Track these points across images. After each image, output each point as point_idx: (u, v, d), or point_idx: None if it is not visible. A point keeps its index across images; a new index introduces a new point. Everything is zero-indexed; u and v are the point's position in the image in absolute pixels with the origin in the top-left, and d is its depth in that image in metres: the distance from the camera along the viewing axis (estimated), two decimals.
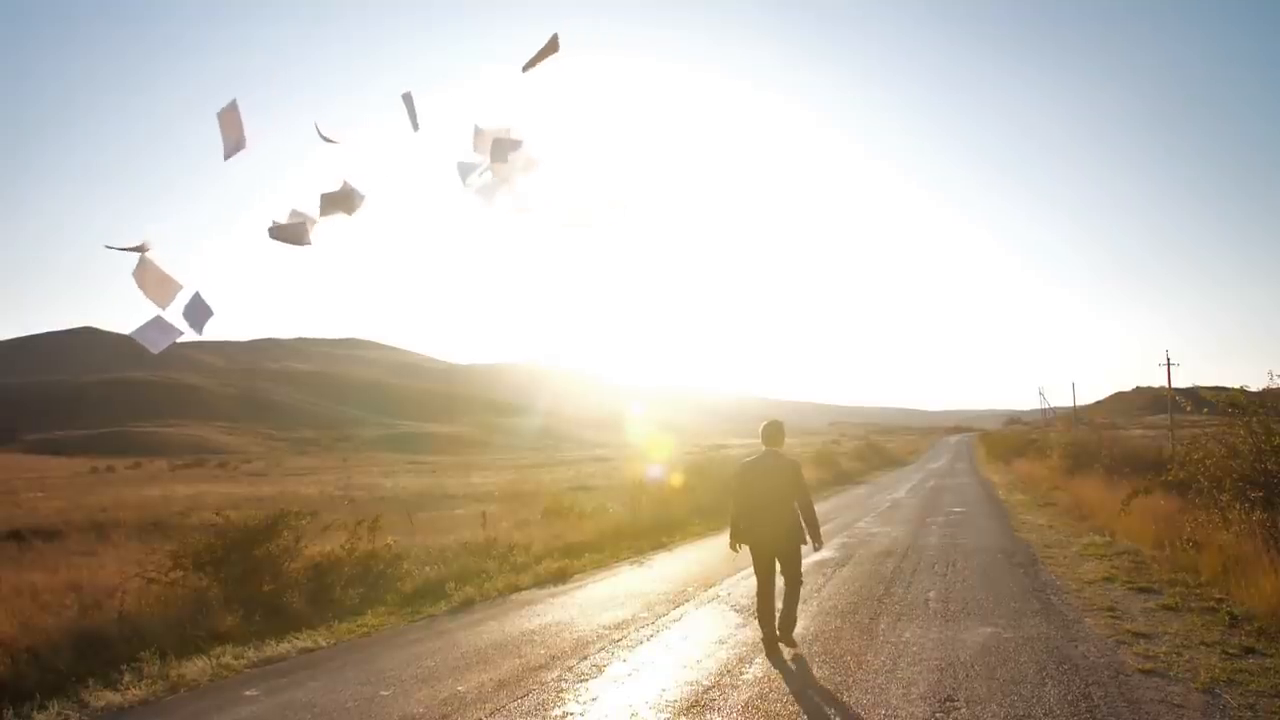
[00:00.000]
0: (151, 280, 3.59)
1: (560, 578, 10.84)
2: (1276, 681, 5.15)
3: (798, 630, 6.82)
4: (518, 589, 10.09)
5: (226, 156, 3.74)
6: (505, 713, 5.30)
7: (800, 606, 6.96)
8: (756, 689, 5.54)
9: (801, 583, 6.83)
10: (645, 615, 8.17)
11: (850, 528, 15.49)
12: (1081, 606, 7.63)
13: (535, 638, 7.39)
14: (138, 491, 36.95)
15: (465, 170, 4.06)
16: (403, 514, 16.89)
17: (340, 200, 3.91)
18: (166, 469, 75.77)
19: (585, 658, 6.58)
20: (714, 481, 19.85)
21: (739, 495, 6.80)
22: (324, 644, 7.60)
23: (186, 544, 8.98)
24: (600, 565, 11.91)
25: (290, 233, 3.86)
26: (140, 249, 3.55)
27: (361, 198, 3.93)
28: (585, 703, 5.43)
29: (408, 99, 3.87)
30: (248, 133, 3.70)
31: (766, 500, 6.62)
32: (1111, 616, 7.14)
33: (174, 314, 3.68)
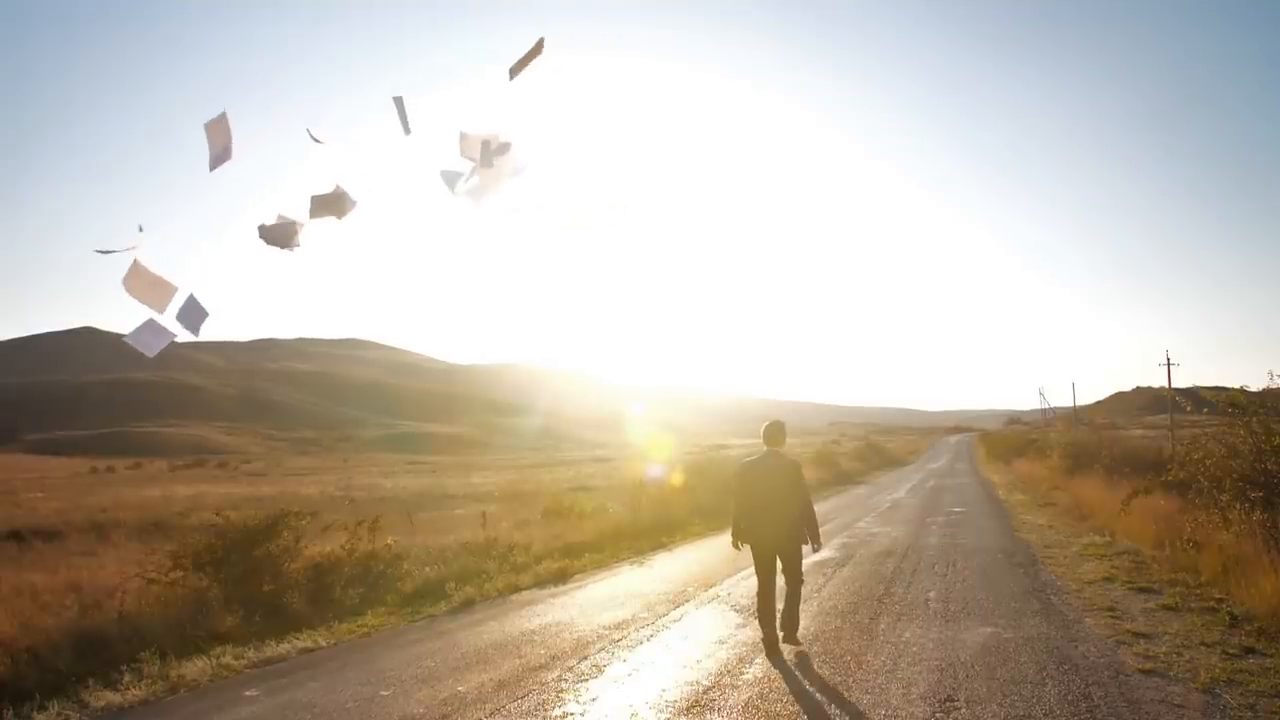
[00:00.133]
0: (145, 285, 3.59)
1: (560, 578, 10.84)
2: (1276, 681, 5.15)
3: (798, 630, 6.82)
4: (518, 589, 10.09)
5: (211, 168, 3.74)
6: (505, 713, 5.30)
7: (801, 606, 6.96)
8: (756, 689, 5.54)
9: (803, 582, 6.85)
10: (645, 615, 8.17)
11: (850, 528, 15.49)
12: (1081, 606, 7.63)
13: (535, 638, 7.39)
14: (138, 492, 36.96)
15: (450, 178, 4.05)
16: (403, 514, 16.89)
17: (331, 203, 3.91)
18: (166, 469, 75.78)
19: (585, 658, 6.58)
20: (714, 482, 19.85)
21: (740, 495, 6.81)
22: (324, 644, 7.60)
23: (186, 544, 8.98)
24: (600, 565, 11.91)
25: (278, 236, 3.87)
26: (129, 249, 3.55)
27: (353, 203, 3.93)
28: (585, 703, 5.43)
29: (399, 102, 3.87)
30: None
31: (768, 500, 6.62)
32: (1111, 616, 7.14)
33: (168, 316, 3.69)
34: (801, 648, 6.52)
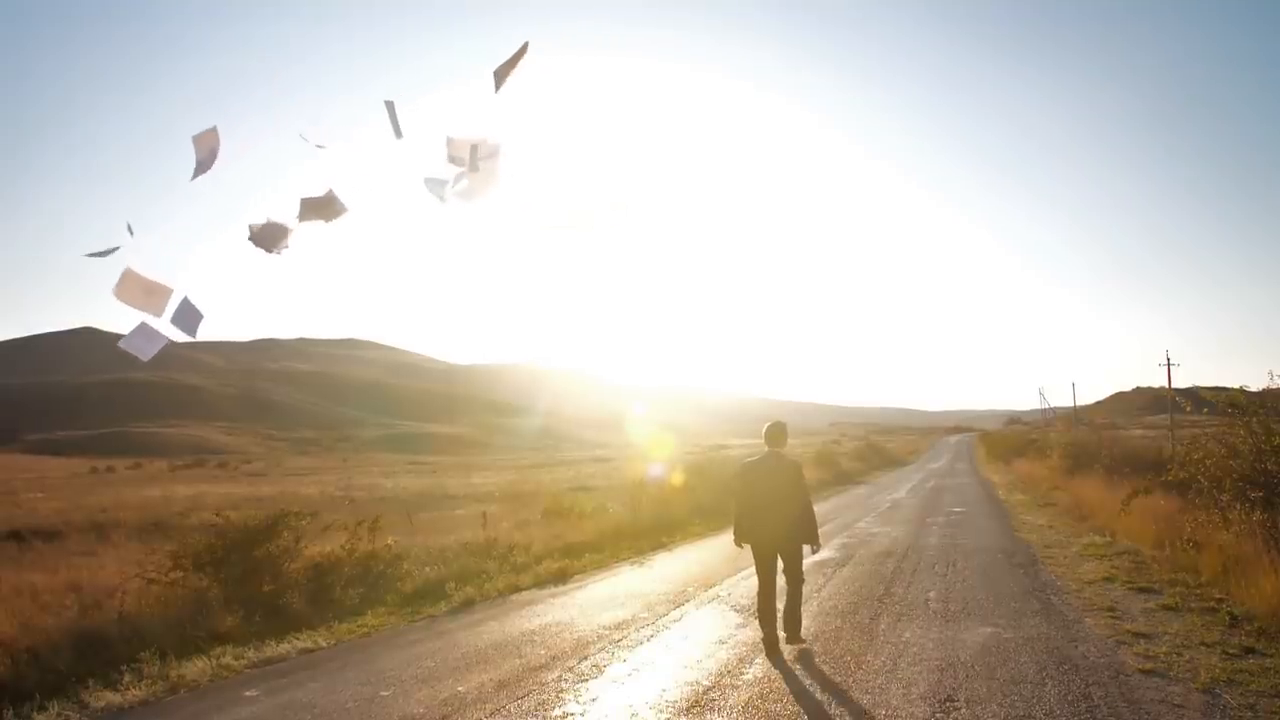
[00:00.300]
0: (139, 291, 3.60)
1: (560, 578, 10.84)
2: (1276, 681, 5.15)
3: (801, 629, 6.83)
4: (518, 589, 10.09)
5: (193, 177, 3.75)
6: (505, 713, 5.30)
7: (802, 606, 6.96)
8: (756, 689, 5.54)
9: (803, 582, 6.86)
10: (645, 615, 8.17)
11: (850, 528, 15.49)
12: (1081, 606, 7.63)
13: (535, 638, 7.39)
14: (138, 492, 36.96)
15: (435, 186, 4.06)
16: (403, 514, 16.89)
17: (321, 207, 3.92)
18: (166, 469, 75.76)
19: (585, 658, 6.58)
20: (714, 482, 19.85)
21: (741, 495, 6.82)
22: (324, 644, 7.60)
23: (186, 544, 8.97)
24: (600, 565, 11.91)
25: (267, 238, 3.89)
26: (117, 248, 3.56)
27: (343, 208, 3.94)
28: (585, 703, 5.43)
29: (390, 107, 3.88)
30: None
31: (769, 500, 6.64)
32: (1111, 616, 7.14)
33: (164, 320, 3.70)
34: (805, 645, 6.54)
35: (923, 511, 18.32)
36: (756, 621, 6.82)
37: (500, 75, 3.79)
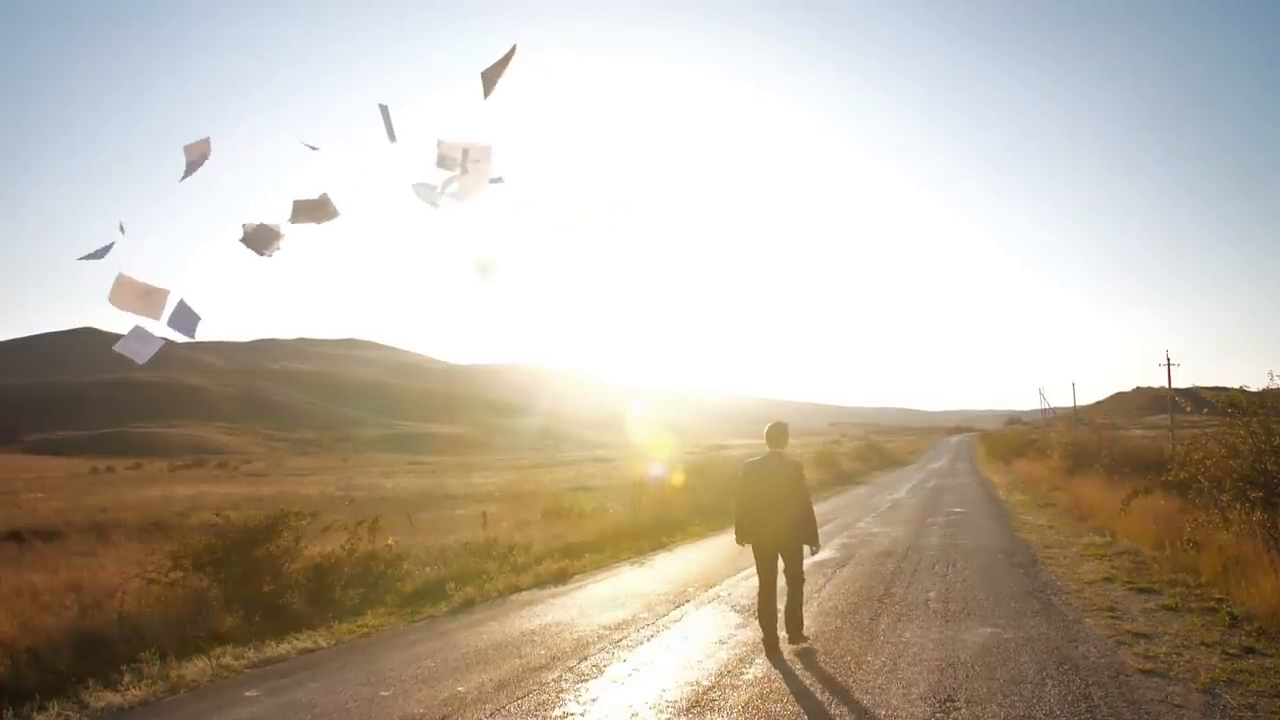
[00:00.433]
0: (134, 295, 3.61)
1: (560, 578, 10.84)
2: (1276, 681, 5.15)
3: (803, 628, 6.83)
4: (518, 589, 10.09)
5: (182, 179, 3.79)
6: (505, 713, 5.30)
7: (803, 606, 6.96)
8: (757, 689, 5.54)
9: (804, 582, 6.86)
10: (645, 616, 8.17)
11: (851, 528, 15.49)
12: (1082, 607, 7.63)
13: (535, 638, 7.39)
14: (138, 492, 36.95)
15: (424, 191, 4.07)
16: (403, 514, 16.89)
17: (313, 210, 3.93)
18: (167, 469, 75.74)
19: (585, 658, 6.58)
20: (714, 482, 19.86)
21: (743, 495, 6.83)
22: (324, 644, 7.60)
23: (186, 544, 8.98)
24: (600, 565, 11.91)
25: (258, 240, 3.90)
26: (109, 245, 3.57)
27: (336, 212, 3.96)
28: (585, 703, 5.43)
29: (384, 111, 3.89)
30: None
31: (770, 500, 6.64)
32: (1112, 617, 7.14)
33: (160, 323, 3.71)
34: (806, 645, 6.56)
35: (923, 511, 18.32)
36: (757, 621, 6.82)
37: (488, 79, 3.80)
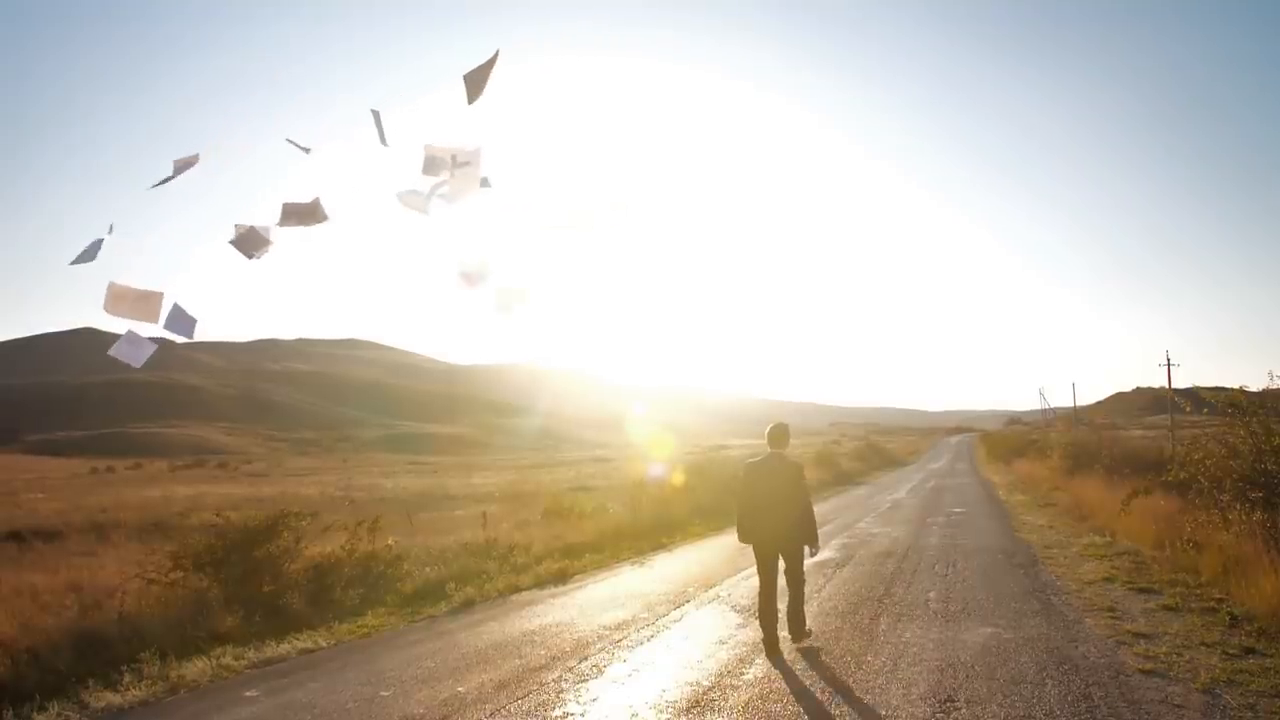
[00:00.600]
0: (130, 302, 3.62)
1: (561, 578, 10.84)
2: (1277, 682, 5.15)
3: (805, 627, 6.83)
4: (518, 589, 10.08)
5: (155, 185, 3.83)
6: (505, 713, 5.30)
7: (804, 606, 6.97)
8: (757, 689, 5.54)
9: (804, 582, 6.86)
10: (645, 616, 8.17)
11: (851, 528, 15.48)
12: (1082, 607, 7.63)
13: (535, 638, 7.39)
14: (138, 492, 36.94)
15: (410, 200, 4.08)
16: (403, 515, 16.89)
17: (302, 213, 3.95)
18: (167, 470, 75.72)
19: (585, 658, 6.58)
20: (714, 482, 19.86)
21: (744, 495, 6.84)
22: (324, 645, 7.60)
23: (187, 545, 8.98)
24: (601, 566, 11.91)
25: (247, 244, 3.93)
26: (100, 243, 3.59)
27: (325, 216, 3.99)
28: (585, 703, 5.43)
29: (376, 116, 3.91)
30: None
31: (771, 501, 6.65)
32: (1112, 617, 7.14)
33: (158, 325, 3.73)
34: (810, 643, 6.58)
35: (923, 512, 18.31)
36: (757, 622, 6.82)
37: (472, 84, 3.80)
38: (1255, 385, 9.07)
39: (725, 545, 13.08)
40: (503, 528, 13.96)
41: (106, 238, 3.61)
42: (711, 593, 9.27)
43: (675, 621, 7.86)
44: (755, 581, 6.99)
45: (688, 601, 8.82)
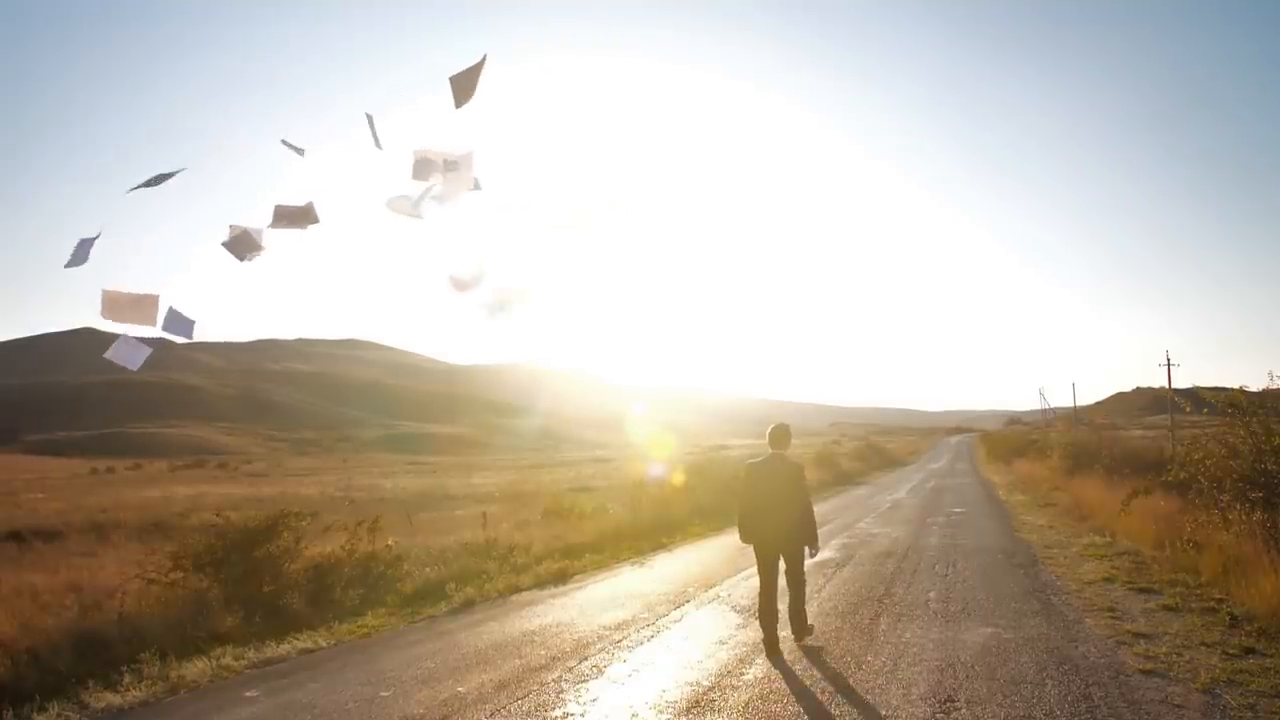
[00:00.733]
0: (125, 307, 3.63)
1: (561, 578, 10.84)
2: (1277, 682, 5.15)
3: (806, 625, 6.84)
4: (518, 590, 10.08)
5: (128, 192, 3.84)
6: (505, 713, 5.30)
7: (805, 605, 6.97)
8: (757, 690, 5.54)
9: (805, 582, 6.87)
10: (645, 616, 8.17)
11: (851, 528, 15.48)
12: (1082, 607, 7.63)
13: (535, 638, 7.39)
14: (138, 492, 36.95)
15: (400, 205, 4.08)
16: (403, 515, 16.89)
17: (294, 216, 3.96)
18: (167, 470, 75.73)
19: (585, 658, 6.58)
20: (714, 482, 19.85)
21: (745, 496, 6.85)
22: (324, 645, 7.60)
23: (187, 545, 8.98)
24: (601, 566, 11.91)
25: (238, 247, 3.94)
26: (93, 241, 3.59)
27: (316, 219, 4.00)
28: (585, 703, 5.43)
29: (369, 120, 3.92)
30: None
31: (771, 501, 6.66)
32: (1112, 617, 7.13)
33: (156, 328, 3.74)
34: (813, 641, 6.59)
35: (923, 512, 18.31)
36: (757, 622, 6.82)
37: (459, 87, 3.79)
38: (1255, 385, 9.08)
39: (725, 545, 13.09)
40: (503, 528, 13.96)
41: (98, 239, 3.61)
42: (711, 593, 9.27)
43: (675, 622, 7.86)
44: (755, 581, 6.99)
45: (688, 602, 8.82)
